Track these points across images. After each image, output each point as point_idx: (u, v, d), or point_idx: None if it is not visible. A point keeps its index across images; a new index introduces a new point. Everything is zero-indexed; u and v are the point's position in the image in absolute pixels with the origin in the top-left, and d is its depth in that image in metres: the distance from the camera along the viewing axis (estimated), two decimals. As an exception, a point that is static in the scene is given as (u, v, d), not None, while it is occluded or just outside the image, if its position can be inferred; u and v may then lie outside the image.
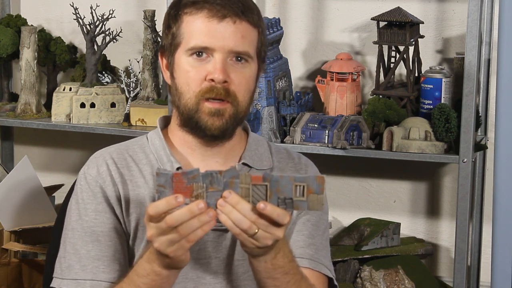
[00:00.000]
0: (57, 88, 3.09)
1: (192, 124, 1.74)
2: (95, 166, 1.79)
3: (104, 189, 1.77)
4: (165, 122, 1.87)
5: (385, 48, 2.82)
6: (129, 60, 3.10)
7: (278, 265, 1.60)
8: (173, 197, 1.49)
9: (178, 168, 1.76)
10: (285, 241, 1.61)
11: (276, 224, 1.50)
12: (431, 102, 2.73)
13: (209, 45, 1.70)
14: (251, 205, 1.49)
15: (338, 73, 2.81)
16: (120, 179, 1.77)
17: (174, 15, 1.76)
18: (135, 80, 3.03)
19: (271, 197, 1.49)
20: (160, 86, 3.06)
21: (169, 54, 1.78)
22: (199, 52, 1.72)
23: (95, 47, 3.07)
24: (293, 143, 2.75)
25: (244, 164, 1.81)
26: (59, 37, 3.20)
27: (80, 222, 1.76)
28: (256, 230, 1.50)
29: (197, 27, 1.72)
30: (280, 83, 2.88)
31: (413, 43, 2.77)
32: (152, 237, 1.52)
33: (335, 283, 1.86)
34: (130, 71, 3.06)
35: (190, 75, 1.72)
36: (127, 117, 3.00)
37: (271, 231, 1.51)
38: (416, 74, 2.82)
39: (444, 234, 3.03)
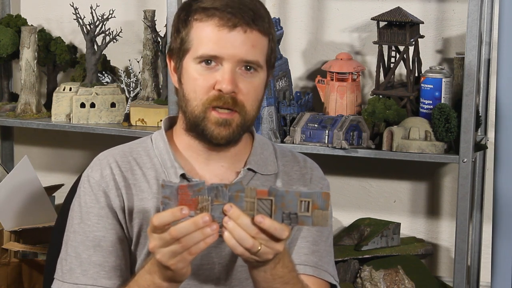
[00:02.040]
0: (57, 88, 3.09)
1: (198, 131, 1.73)
2: (98, 169, 1.78)
3: (107, 194, 1.75)
4: (170, 123, 1.85)
5: (385, 48, 2.82)
6: (129, 60, 3.09)
7: (277, 275, 1.60)
8: (178, 209, 1.48)
9: (181, 175, 1.75)
10: (286, 251, 1.60)
11: (275, 238, 1.50)
12: (431, 102, 2.72)
13: (219, 54, 1.68)
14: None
15: (338, 73, 2.81)
16: (123, 183, 1.76)
17: (184, 20, 1.73)
18: (135, 80, 3.02)
19: (276, 211, 1.49)
20: (160, 86, 3.06)
21: (177, 58, 1.75)
22: (208, 60, 1.69)
23: (95, 47, 3.07)
24: (293, 143, 2.75)
25: (249, 169, 1.79)
26: (59, 37, 3.20)
27: (82, 226, 1.75)
28: (259, 248, 1.49)
29: (207, 35, 1.69)
30: (280, 83, 2.87)
31: (413, 43, 2.77)
32: (154, 248, 1.52)
33: (339, 288, 1.86)
34: (130, 71, 3.06)
35: (198, 83, 1.70)
36: (127, 117, 2.99)
37: (271, 246, 1.50)
38: (416, 74, 2.82)
39: (444, 234, 3.03)
